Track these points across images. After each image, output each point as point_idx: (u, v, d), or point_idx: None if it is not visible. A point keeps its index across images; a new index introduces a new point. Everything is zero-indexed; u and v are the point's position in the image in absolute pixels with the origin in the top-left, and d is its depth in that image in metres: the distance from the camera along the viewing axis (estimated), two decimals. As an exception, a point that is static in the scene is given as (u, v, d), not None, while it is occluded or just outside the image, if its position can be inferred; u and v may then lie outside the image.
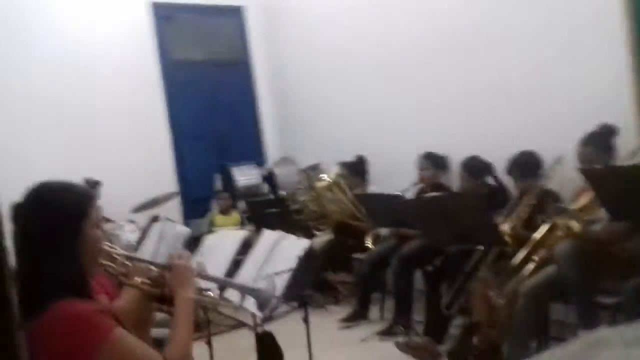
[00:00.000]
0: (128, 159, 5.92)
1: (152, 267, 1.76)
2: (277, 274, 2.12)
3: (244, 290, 1.90)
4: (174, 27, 6.65)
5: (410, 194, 4.30)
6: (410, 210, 3.58)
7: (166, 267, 1.73)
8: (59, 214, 1.47)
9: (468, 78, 4.34)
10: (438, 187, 4.33)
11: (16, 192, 2.05)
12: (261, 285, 1.95)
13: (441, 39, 4.54)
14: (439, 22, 4.55)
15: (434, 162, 4.38)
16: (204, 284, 1.82)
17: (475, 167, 3.88)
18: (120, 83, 6.07)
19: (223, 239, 3.04)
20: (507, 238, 3.13)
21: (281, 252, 2.36)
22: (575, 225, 2.83)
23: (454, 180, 4.40)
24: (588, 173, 2.56)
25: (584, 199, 2.86)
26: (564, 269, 2.85)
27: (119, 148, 5.96)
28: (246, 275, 2.56)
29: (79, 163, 5.54)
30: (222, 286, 2.07)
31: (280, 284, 2.16)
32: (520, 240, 3.21)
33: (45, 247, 1.44)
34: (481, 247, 3.36)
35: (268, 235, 2.55)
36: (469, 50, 4.31)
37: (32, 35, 5.61)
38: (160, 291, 1.71)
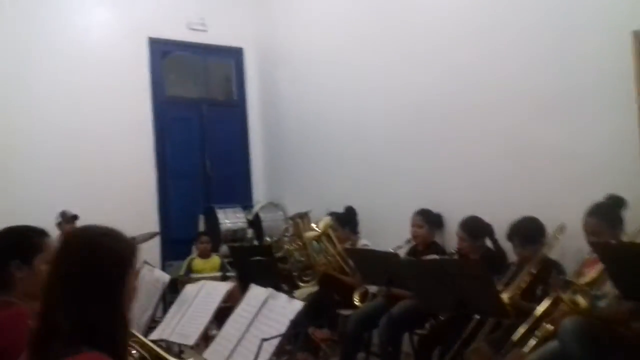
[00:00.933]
0: (109, 194, 5.72)
1: None
2: (266, 340, 1.91)
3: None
4: (170, 64, 6.59)
5: (402, 251, 4.13)
6: (404, 270, 3.40)
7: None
8: (111, 261, 1.38)
9: (470, 136, 4.23)
10: (431, 245, 4.19)
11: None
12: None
13: (444, 93, 4.46)
14: (441, 75, 4.48)
15: (428, 220, 4.23)
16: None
17: (475, 228, 3.73)
18: (109, 114, 5.94)
19: (205, 291, 2.83)
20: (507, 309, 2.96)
21: (270, 313, 2.15)
22: (582, 301, 2.67)
23: (448, 239, 4.25)
24: (600, 247, 2.42)
25: (592, 273, 2.71)
26: (568, 346, 2.67)
27: (101, 181, 5.76)
28: (231, 332, 2.34)
29: (57, 194, 5.33)
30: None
31: (269, 350, 1.95)
32: (518, 311, 3.05)
33: (91, 294, 1.33)
34: (478, 316, 3.18)
35: (256, 292, 2.35)
36: (475, 108, 4.20)
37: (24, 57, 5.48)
38: None
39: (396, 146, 4.91)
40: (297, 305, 2.05)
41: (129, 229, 1.54)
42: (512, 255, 3.59)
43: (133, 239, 1.53)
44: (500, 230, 3.63)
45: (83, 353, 1.28)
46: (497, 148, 4.04)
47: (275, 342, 1.95)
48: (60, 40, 5.77)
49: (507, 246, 3.63)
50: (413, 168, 4.71)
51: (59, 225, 5.20)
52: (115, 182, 5.84)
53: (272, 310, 2.13)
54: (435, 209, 4.31)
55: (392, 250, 3.85)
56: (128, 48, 6.15)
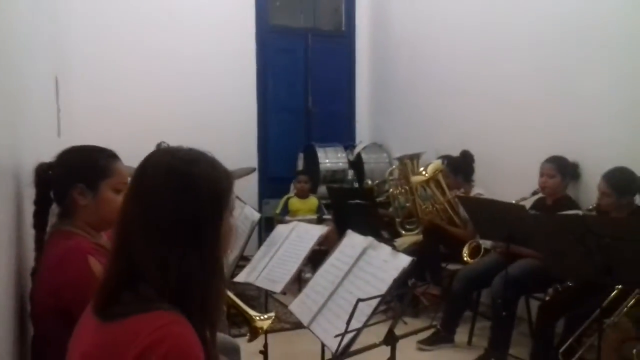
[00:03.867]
0: (208, 126, 5.51)
1: None
2: (363, 300, 1.52)
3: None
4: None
5: (526, 203, 3.56)
6: (531, 225, 2.87)
7: None
8: (208, 196, 1.09)
9: (622, 68, 3.46)
10: (563, 199, 3.57)
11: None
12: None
13: (582, 18, 3.68)
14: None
15: (561, 169, 3.58)
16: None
17: (624, 182, 3.06)
18: (211, 43, 5.68)
19: (296, 233, 2.48)
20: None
21: (369, 266, 1.75)
22: None
23: (584, 194, 3.61)
24: None
25: None
26: None
27: (200, 112, 5.58)
28: (321, 284, 1.97)
29: (156, 125, 5.20)
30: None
31: (367, 311, 1.56)
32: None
33: (180, 235, 1.05)
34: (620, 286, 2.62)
35: (354, 240, 1.95)
36: (628, 34, 3.43)
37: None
38: None
39: (527, 79, 4.16)
40: (402, 260, 1.62)
41: (228, 164, 1.19)
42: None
43: (228, 170, 1.22)
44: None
45: (157, 311, 1.02)
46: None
47: (374, 303, 1.55)
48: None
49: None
50: (546, 106, 4.00)
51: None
52: (215, 115, 5.65)
53: (371, 264, 1.72)
54: (571, 157, 3.64)
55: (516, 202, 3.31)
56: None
